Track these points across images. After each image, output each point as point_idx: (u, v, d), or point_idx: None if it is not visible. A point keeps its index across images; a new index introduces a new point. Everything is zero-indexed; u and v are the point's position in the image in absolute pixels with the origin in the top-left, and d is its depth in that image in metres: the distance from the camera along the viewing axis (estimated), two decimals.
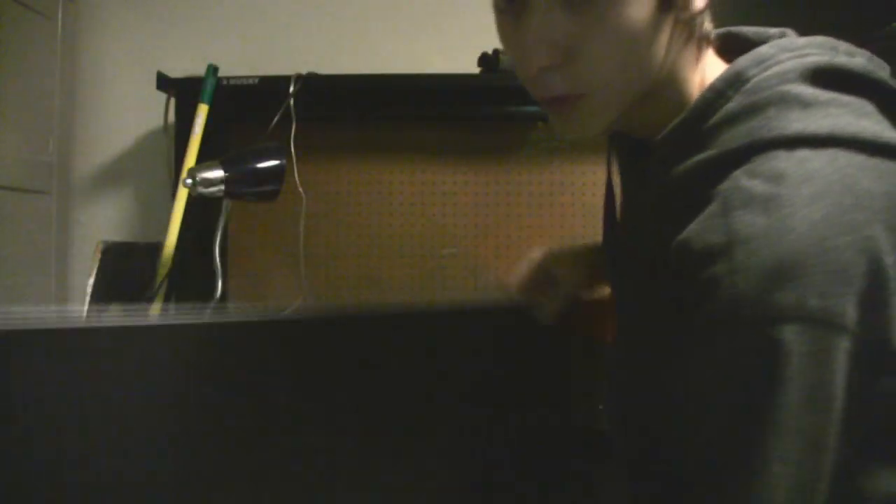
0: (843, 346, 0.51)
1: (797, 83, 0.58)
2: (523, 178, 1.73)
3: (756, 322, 0.50)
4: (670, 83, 0.63)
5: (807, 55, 0.60)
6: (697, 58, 0.64)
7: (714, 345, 0.53)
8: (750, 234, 0.52)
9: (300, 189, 1.60)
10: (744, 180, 0.54)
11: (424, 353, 0.70)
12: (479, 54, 1.57)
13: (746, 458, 0.52)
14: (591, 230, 1.71)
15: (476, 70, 1.58)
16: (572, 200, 1.72)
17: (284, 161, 1.32)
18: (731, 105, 0.59)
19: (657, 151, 0.64)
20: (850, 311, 0.50)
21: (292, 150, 1.55)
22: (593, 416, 0.90)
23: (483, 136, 1.73)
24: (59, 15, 1.69)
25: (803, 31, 0.68)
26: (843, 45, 0.64)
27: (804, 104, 0.56)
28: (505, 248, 1.73)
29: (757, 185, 0.53)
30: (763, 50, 0.61)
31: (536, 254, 0.88)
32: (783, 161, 0.54)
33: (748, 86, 0.59)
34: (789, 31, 0.66)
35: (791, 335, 0.50)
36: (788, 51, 0.61)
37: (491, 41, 1.52)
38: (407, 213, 1.74)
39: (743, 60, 0.61)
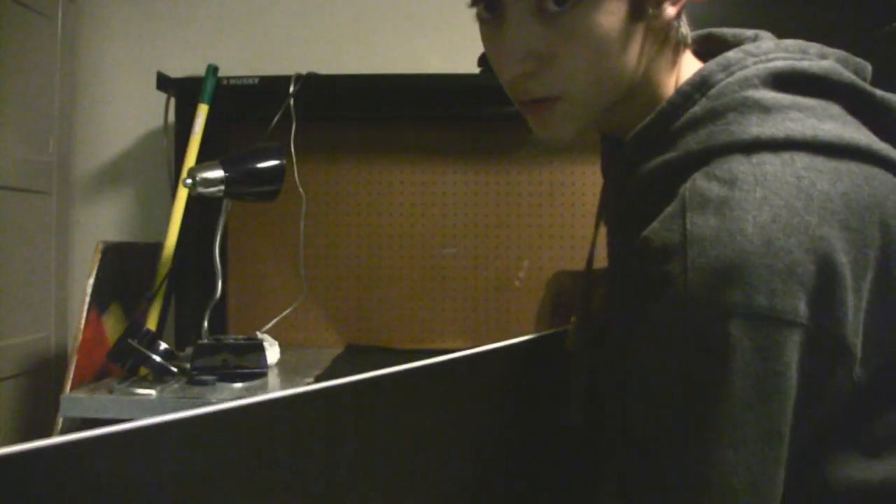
0: (794, 340, 0.52)
1: (759, 88, 0.60)
2: (523, 178, 1.73)
3: (705, 319, 0.52)
4: (646, 85, 0.65)
5: (772, 60, 0.62)
6: (674, 61, 0.66)
7: (665, 340, 0.55)
8: (702, 234, 0.54)
9: (300, 189, 1.60)
10: (701, 182, 0.56)
11: (448, 403, 0.69)
12: (479, 54, 1.57)
13: (698, 445, 0.53)
14: (590, 230, 1.70)
15: (476, 70, 1.58)
16: (572, 200, 1.72)
17: (284, 161, 1.32)
18: (696, 109, 0.61)
19: (625, 150, 0.66)
20: (800, 308, 0.52)
21: (292, 150, 1.56)
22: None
23: (483, 136, 1.73)
24: (59, 15, 1.69)
25: (803, 32, 0.69)
26: (815, 48, 0.66)
27: (764, 109, 0.58)
28: (505, 248, 1.73)
29: (713, 188, 0.55)
30: (730, 55, 0.63)
31: (554, 280, 0.89)
32: (739, 164, 0.56)
33: (713, 91, 0.61)
34: (763, 34, 0.68)
35: (737, 331, 0.52)
36: (754, 56, 0.62)
37: None
38: (407, 212, 1.74)
39: (710, 65, 0.63)
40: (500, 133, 1.72)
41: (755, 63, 0.61)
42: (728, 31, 0.69)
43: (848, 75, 0.63)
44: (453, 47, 1.71)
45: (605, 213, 0.78)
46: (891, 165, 0.59)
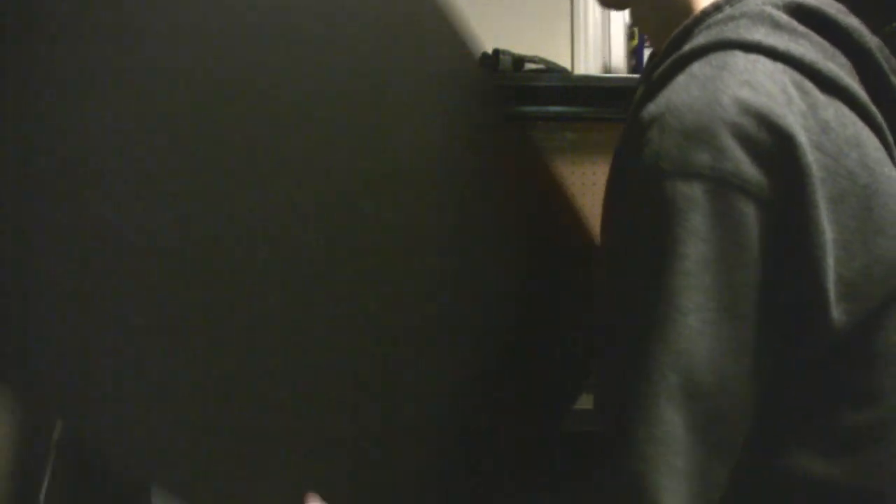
0: (754, 213, 0.54)
1: (779, 8, 0.62)
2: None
3: (673, 176, 0.54)
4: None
5: None
6: None
7: (634, 199, 0.58)
8: (682, 102, 0.56)
9: None
10: (696, 67, 0.59)
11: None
12: (478, 54, 1.56)
13: (663, 305, 0.54)
14: (589, 230, 1.70)
15: None
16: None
17: None
18: (719, 15, 0.63)
19: (659, 56, 0.68)
20: (765, 183, 0.54)
21: None
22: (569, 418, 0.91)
23: None
24: None
25: None
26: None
27: (776, 24, 0.60)
28: None
29: (704, 70, 0.58)
30: None
31: None
32: (735, 57, 0.58)
33: (740, 2, 0.63)
34: None
35: (700, 191, 0.53)
36: None
37: (491, 41, 1.52)
38: None
39: None
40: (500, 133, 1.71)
41: None
42: None
43: (872, 41, 0.64)
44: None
45: None
46: (881, 131, 0.60)
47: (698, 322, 0.53)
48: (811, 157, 0.54)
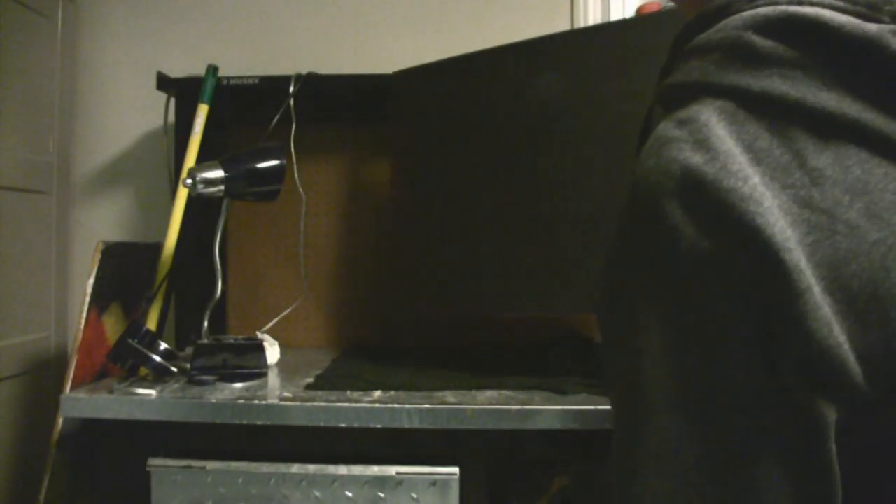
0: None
1: (760, 33, 0.51)
2: None
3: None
4: None
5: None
6: None
7: None
8: (641, 175, 0.51)
9: (300, 189, 1.60)
10: (662, 126, 0.52)
11: None
12: None
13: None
14: None
15: None
16: None
17: (284, 161, 1.32)
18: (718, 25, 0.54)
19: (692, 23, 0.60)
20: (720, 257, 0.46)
21: (292, 150, 1.56)
22: None
23: None
24: (59, 15, 1.69)
25: None
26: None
27: (752, 55, 0.51)
28: None
29: (668, 127, 0.51)
30: None
31: None
32: (701, 107, 0.50)
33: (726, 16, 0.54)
34: None
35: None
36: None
37: (491, 41, 1.52)
38: None
39: None
40: None
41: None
42: None
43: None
44: (453, 47, 1.70)
45: None
46: None
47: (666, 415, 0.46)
48: (783, 221, 0.45)
